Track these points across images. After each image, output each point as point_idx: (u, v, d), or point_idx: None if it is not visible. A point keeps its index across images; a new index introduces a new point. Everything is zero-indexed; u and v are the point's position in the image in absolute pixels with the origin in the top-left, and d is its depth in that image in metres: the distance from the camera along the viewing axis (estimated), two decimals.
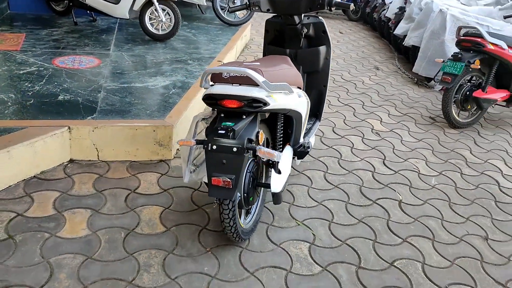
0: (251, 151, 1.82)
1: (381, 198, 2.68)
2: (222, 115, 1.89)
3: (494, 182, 3.09)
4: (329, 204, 2.55)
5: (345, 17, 9.42)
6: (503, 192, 2.96)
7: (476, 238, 2.40)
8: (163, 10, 4.60)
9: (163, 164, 2.76)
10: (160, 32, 4.68)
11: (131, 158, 2.75)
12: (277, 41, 2.77)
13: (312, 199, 2.58)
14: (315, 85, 2.74)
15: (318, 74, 2.78)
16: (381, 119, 4.02)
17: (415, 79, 5.35)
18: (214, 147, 1.79)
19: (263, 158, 2.04)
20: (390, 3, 7.16)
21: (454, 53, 3.79)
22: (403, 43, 5.79)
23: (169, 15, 4.64)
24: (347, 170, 2.99)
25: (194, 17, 6.17)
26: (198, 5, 6.15)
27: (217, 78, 1.86)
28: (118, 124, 2.68)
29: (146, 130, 2.69)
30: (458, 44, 3.89)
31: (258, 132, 1.88)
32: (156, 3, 4.49)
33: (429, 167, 3.21)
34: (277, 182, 1.98)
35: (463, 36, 3.87)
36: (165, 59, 4.12)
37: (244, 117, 1.87)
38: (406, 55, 6.29)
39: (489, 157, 3.49)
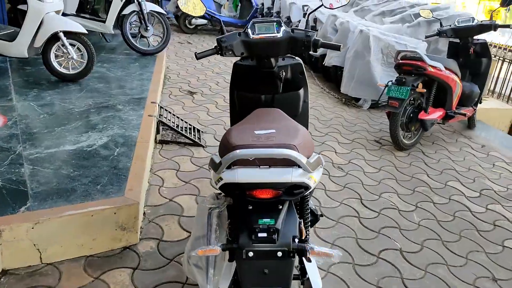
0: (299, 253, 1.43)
1: (383, 251, 2.47)
2: (251, 207, 1.48)
3: (465, 208, 3.11)
4: (336, 270, 2.25)
5: None
6: (478, 219, 2.98)
7: (486, 281, 2.32)
8: (72, 45, 3.88)
9: (129, 252, 2.20)
10: (71, 72, 3.95)
11: (86, 252, 2.13)
12: (249, 86, 2.41)
13: (319, 268, 2.25)
14: None
15: (296, 119, 2.48)
16: (335, 149, 3.87)
17: (343, 99, 5.37)
18: (251, 254, 1.37)
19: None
20: (298, 21, 7.20)
21: (397, 77, 3.80)
22: (324, 63, 5.79)
23: (80, 51, 3.94)
24: (333, 220, 2.73)
25: (98, 46, 5.43)
26: (101, 33, 5.44)
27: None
28: (67, 213, 2.05)
29: (104, 214, 2.11)
30: (398, 68, 3.92)
31: (300, 224, 1.51)
32: (64, 38, 3.77)
33: (403, 200, 3.11)
34: (317, 277, 1.62)
35: (401, 59, 3.91)
36: (88, 105, 3.44)
37: (280, 207, 1.48)
38: (325, 74, 6.34)
39: (446, 180, 3.54)
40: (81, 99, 3.60)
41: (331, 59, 5.62)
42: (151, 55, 5.31)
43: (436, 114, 4.03)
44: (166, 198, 2.72)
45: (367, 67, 4.96)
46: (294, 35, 2.19)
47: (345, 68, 5.27)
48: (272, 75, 2.26)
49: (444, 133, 4.67)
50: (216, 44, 2.22)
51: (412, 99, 3.98)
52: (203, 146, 3.52)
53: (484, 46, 4.37)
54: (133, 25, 5.37)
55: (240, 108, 2.45)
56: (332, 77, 5.98)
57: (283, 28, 2.19)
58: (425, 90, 3.74)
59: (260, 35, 2.17)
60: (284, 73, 2.31)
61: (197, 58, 2.23)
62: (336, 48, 2.21)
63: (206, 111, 4.36)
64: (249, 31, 2.18)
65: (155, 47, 5.33)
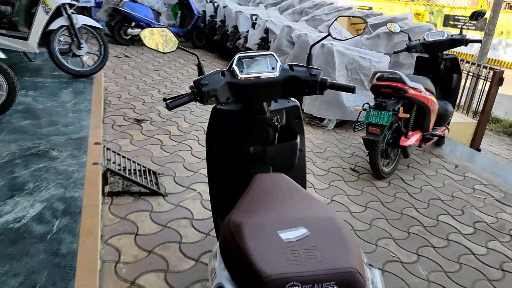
0: None
1: None
2: None
3: (466, 251, 2.79)
4: None
5: (190, 45, 8.67)
6: (485, 264, 2.67)
7: None
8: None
9: None
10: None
11: None
12: (234, 136, 1.89)
13: None
14: None
15: (292, 172, 2.00)
16: (313, 185, 3.42)
17: (306, 119, 4.96)
18: None
19: None
20: (247, 31, 6.71)
21: (376, 101, 3.43)
22: None
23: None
24: None
25: (20, 68, 4.56)
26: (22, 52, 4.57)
27: None
28: None
29: None
30: (374, 90, 3.56)
31: None
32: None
33: (401, 247, 2.73)
34: None
35: (378, 80, 3.55)
36: (11, 154, 2.70)
37: None
38: None
39: (436, 214, 3.22)
40: (0, 144, 2.83)
41: None
42: (87, 77, 4.54)
43: (414, 138, 3.72)
44: (126, 280, 2.09)
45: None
46: (295, 74, 1.72)
47: None
48: (264, 122, 1.78)
49: (416, 153, 4.41)
50: (191, 87, 1.69)
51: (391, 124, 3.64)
52: (163, 195, 2.90)
53: (455, 61, 4.16)
54: (62, 42, 4.57)
55: (222, 164, 1.91)
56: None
57: (279, 64, 1.69)
58: (408, 115, 3.41)
59: (250, 75, 1.67)
60: (279, 120, 1.82)
61: (170, 109, 1.67)
62: (350, 89, 1.76)
63: (159, 144, 3.72)
64: (236, 69, 1.66)
65: (90, 67, 4.57)
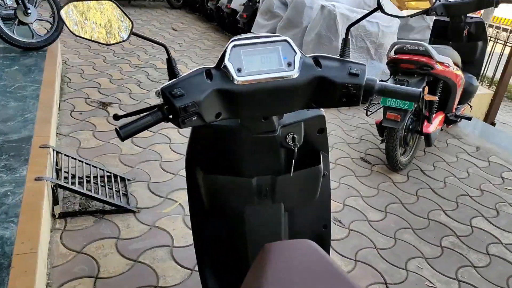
0: None
1: None
2: None
3: None
4: None
5: (167, 5, 7.73)
6: None
7: None
8: None
9: None
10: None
11: None
12: (227, 164, 1.27)
13: None
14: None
15: (312, 206, 1.41)
16: None
17: None
18: None
19: None
20: None
21: (397, 79, 2.78)
22: None
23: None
24: None
25: None
26: None
27: None
28: None
29: None
30: (393, 65, 2.89)
31: None
32: None
33: (438, 271, 2.18)
34: None
35: (397, 53, 2.88)
36: None
37: None
38: None
39: (468, 217, 2.67)
40: None
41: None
42: (38, 50, 3.73)
43: (437, 122, 3.11)
44: None
45: (335, 54, 3.87)
46: (324, 74, 1.10)
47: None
48: (273, 143, 1.18)
49: None
50: (158, 93, 1.02)
51: None
52: (134, 211, 2.26)
53: (481, 26, 3.48)
54: (5, 6, 3.72)
55: (211, 205, 1.27)
56: None
57: (298, 56, 1.08)
58: (437, 98, 2.78)
59: (253, 76, 1.04)
60: (295, 140, 1.16)
61: (122, 139, 1.00)
62: (414, 97, 1.10)
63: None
64: (230, 67, 1.05)
65: (42, 37, 3.74)
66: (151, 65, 4.47)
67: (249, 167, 1.19)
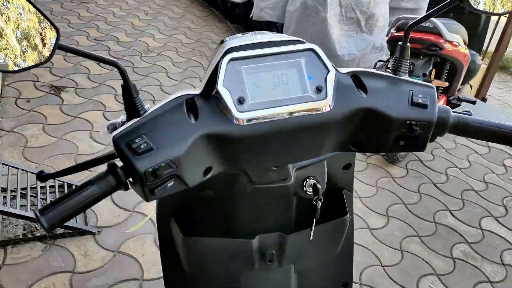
0: None
1: None
2: None
3: None
4: None
5: None
6: None
7: None
8: None
9: None
10: None
11: None
12: (215, 222, 0.87)
13: None
14: None
15: (328, 269, 1.05)
16: None
17: None
18: None
19: None
20: None
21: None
22: (251, 16, 4.11)
23: None
24: None
25: None
26: None
27: None
28: None
29: None
30: (396, 44, 2.49)
31: None
32: None
33: None
34: None
35: (399, 31, 2.49)
36: None
37: None
38: (246, 25, 4.67)
39: (476, 217, 2.40)
40: None
41: (261, 11, 3.97)
42: None
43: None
44: None
45: (323, 27, 3.44)
46: (375, 106, 0.70)
47: (288, 27, 3.69)
48: (284, 193, 0.80)
49: None
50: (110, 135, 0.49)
51: None
52: (93, 233, 1.85)
53: None
54: None
55: (193, 270, 0.86)
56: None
57: (332, 75, 0.67)
58: (446, 84, 2.42)
59: (264, 111, 0.64)
60: (315, 187, 0.77)
61: (48, 230, 0.55)
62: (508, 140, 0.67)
63: (88, 130, 2.54)
64: (226, 95, 0.64)
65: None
66: (112, 38, 3.91)
67: (248, 224, 0.82)
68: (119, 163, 0.60)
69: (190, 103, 0.64)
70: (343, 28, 3.56)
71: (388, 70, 0.76)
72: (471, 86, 3.40)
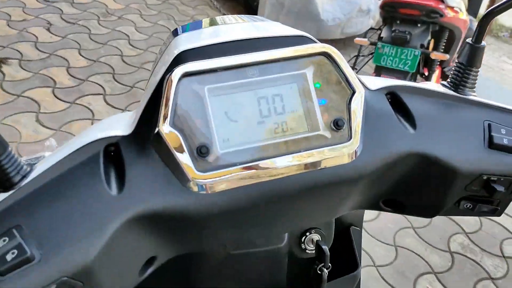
0: None
1: None
2: None
3: None
4: None
5: None
6: None
7: None
8: None
9: None
10: None
11: None
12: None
13: None
14: None
15: None
16: None
17: None
18: None
19: None
20: None
21: (396, 30, 2.11)
22: None
23: None
24: None
25: None
26: None
27: None
28: None
29: None
30: (389, 10, 2.18)
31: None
32: None
33: None
34: None
35: None
36: None
37: None
38: None
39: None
40: None
41: None
42: None
43: (434, 80, 2.52)
44: None
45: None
46: (431, 152, 0.41)
47: None
48: (275, 256, 0.52)
49: None
50: None
51: None
52: None
53: None
54: None
55: None
56: (242, 2, 3.97)
57: (358, 98, 0.40)
58: (447, 57, 2.14)
59: (250, 165, 0.36)
60: (320, 247, 0.52)
61: None
62: None
63: (35, 112, 2.17)
64: (173, 141, 0.35)
65: None
66: None
67: None
68: None
69: (111, 155, 0.35)
70: None
71: (443, 83, 0.48)
72: None
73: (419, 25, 2.13)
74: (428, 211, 0.47)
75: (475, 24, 2.84)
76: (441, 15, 2.09)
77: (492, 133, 0.42)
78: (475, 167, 0.41)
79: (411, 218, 2.03)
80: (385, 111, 0.42)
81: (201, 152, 0.34)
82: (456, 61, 0.47)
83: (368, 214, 2.01)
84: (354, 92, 0.38)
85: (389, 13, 2.17)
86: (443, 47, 2.34)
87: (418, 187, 0.44)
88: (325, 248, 0.51)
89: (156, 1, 3.79)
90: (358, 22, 3.33)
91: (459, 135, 0.43)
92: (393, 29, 2.12)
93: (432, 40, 2.17)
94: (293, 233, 0.52)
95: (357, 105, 0.38)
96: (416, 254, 1.85)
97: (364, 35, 2.34)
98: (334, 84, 0.39)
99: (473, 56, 0.46)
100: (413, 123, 0.41)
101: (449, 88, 0.47)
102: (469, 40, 0.46)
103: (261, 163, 0.35)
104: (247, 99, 0.36)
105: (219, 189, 0.35)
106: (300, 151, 0.36)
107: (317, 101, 0.38)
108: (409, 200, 0.47)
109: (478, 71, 0.47)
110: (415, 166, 0.42)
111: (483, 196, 0.45)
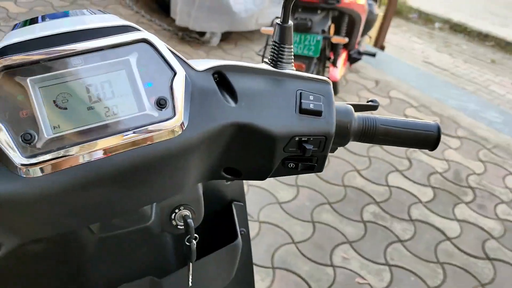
0: None
1: None
2: None
3: (441, 237, 2.04)
4: None
5: None
6: (469, 254, 1.95)
7: None
8: None
9: None
10: None
11: None
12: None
13: None
14: None
15: None
16: None
17: (180, 34, 3.49)
18: None
19: None
20: None
21: (298, 18, 2.20)
22: None
23: None
24: None
25: None
26: None
27: None
28: None
29: None
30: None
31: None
32: None
33: (365, 257, 1.85)
34: None
35: None
36: None
37: None
38: None
39: (382, 174, 2.38)
40: None
41: None
42: None
43: (340, 62, 2.66)
44: None
45: None
46: (248, 121, 0.48)
47: None
48: (144, 235, 0.57)
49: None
50: None
51: None
52: None
53: None
54: None
55: None
56: None
57: (179, 78, 0.45)
58: (346, 40, 2.27)
59: (77, 148, 0.39)
60: (187, 218, 0.56)
61: None
62: (430, 142, 0.55)
63: None
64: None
65: None
66: None
67: (104, 275, 0.60)
68: None
69: None
70: None
71: (266, 61, 0.54)
72: (370, 37, 3.35)
73: (319, 11, 2.24)
74: (260, 174, 0.52)
75: (375, 7, 3.04)
76: (338, 1, 2.21)
77: (302, 100, 0.48)
78: (287, 130, 0.47)
79: (327, 193, 2.15)
80: (210, 89, 0.46)
81: (25, 139, 0.36)
82: (272, 40, 0.53)
83: (286, 194, 2.11)
84: (175, 73, 0.43)
85: (288, 1, 2.26)
86: (346, 32, 2.48)
87: (247, 154, 0.50)
88: (190, 221, 0.55)
89: (63, 3, 3.64)
90: (271, 12, 3.43)
91: (275, 104, 0.48)
92: (296, 17, 2.22)
93: (333, 25, 2.30)
94: (163, 211, 0.56)
95: (178, 83, 0.43)
96: (332, 227, 1.97)
97: (271, 24, 2.42)
98: (156, 67, 0.42)
99: (283, 34, 0.52)
100: (235, 98, 0.46)
101: (269, 65, 0.53)
102: (278, 20, 0.52)
103: (91, 143, 0.38)
104: (75, 87, 0.39)
105: (47, 172, 0.37)
106: (129, 130, 0.40)
107: (143, 84, 0.41)
108: (243, 166, 0.52)
109: (291, 47, 0.53)
110: (239, 135, 0.47)
111: (302, 156, 0.51)
